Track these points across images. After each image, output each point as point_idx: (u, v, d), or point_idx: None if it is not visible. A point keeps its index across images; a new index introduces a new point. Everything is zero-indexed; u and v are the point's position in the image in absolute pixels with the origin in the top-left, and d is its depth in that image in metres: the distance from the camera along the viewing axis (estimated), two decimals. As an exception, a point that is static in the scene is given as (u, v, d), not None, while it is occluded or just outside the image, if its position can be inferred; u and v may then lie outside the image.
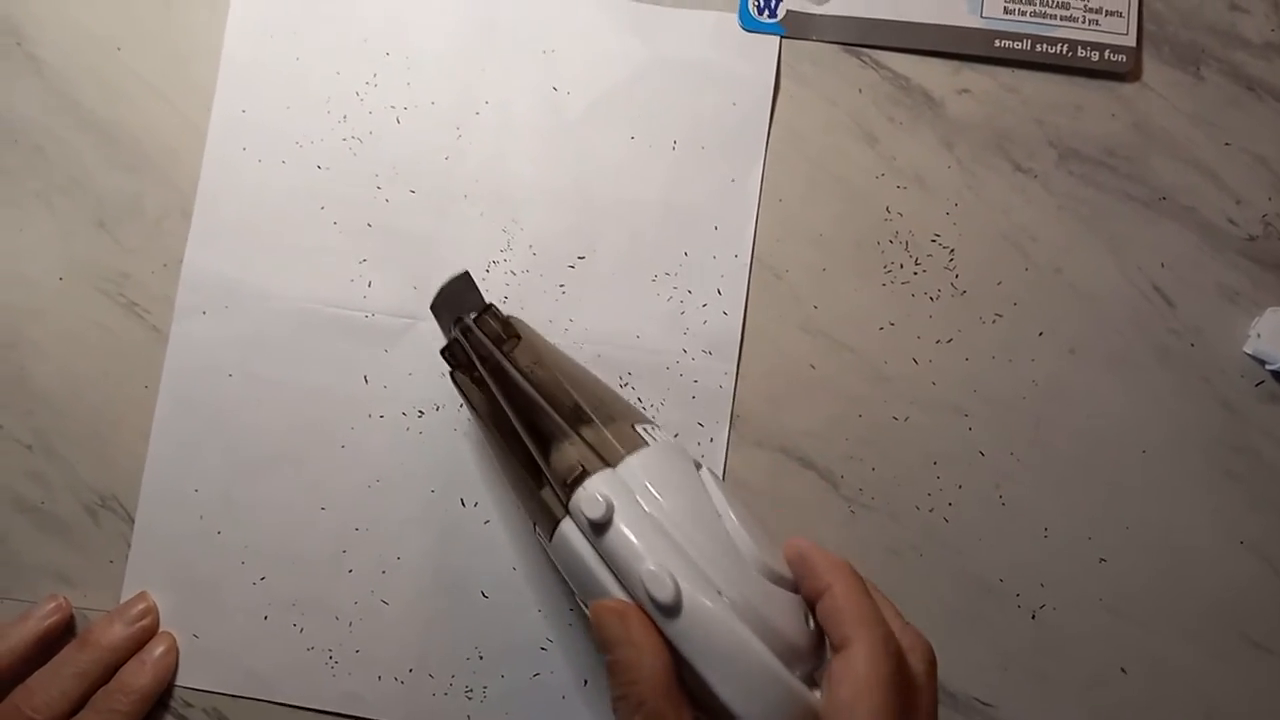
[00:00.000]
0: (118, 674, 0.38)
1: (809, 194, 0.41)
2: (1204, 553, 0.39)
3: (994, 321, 0.40)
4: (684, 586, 0.27)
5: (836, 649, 0.27)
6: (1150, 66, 0.41)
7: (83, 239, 0.41)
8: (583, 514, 0.28)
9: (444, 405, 0.40)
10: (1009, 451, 0.40)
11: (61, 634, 0.39)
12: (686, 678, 0.27)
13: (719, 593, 0.27)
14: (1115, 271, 0.40)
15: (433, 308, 0.35)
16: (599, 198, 0.41)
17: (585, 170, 0.41)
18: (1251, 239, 0.40)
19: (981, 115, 0.41)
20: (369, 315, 0.40)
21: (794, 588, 0.29)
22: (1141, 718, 0.39)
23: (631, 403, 0.38)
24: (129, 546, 0.39)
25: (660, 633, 0.27)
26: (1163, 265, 0.40)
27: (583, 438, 0.31)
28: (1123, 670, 0.39)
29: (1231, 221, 0.40)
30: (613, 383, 0.39)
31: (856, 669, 0.26)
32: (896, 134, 0.41)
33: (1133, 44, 0.41)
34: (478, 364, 0.33)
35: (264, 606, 0.39)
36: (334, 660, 0.39)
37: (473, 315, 0.34)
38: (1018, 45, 0.41)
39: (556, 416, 0.31)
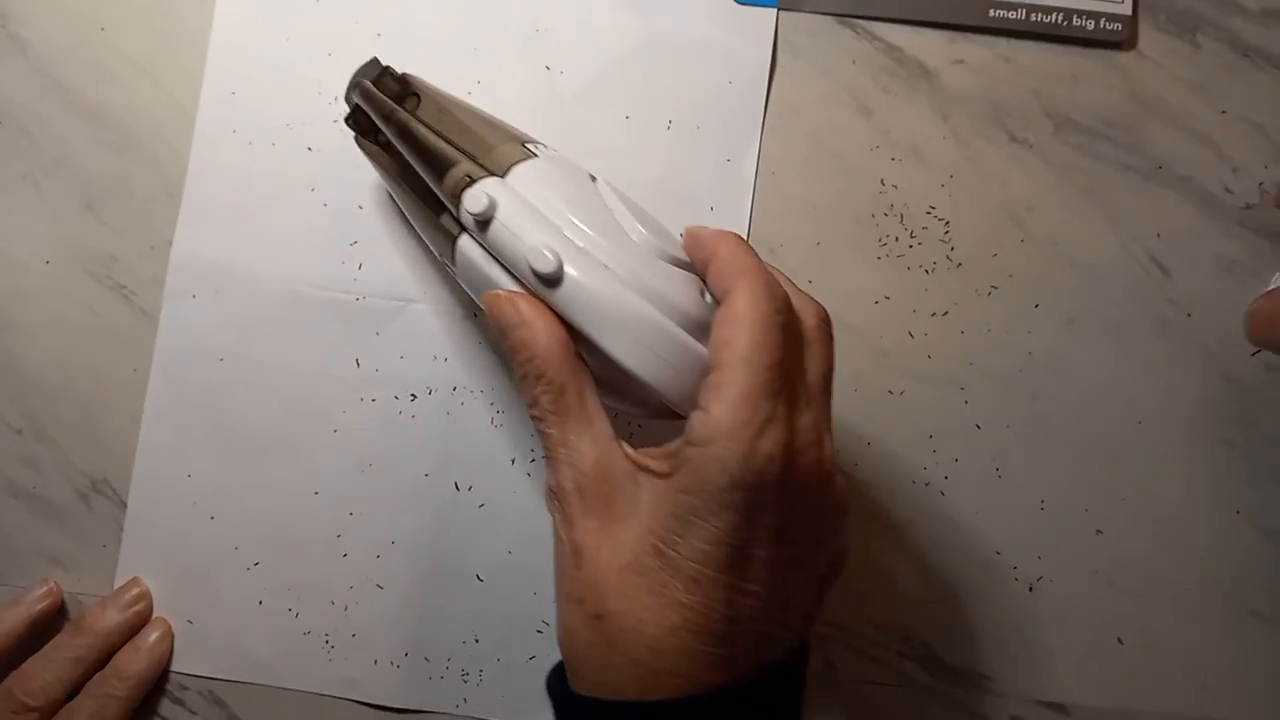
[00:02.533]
0: (113, 660, 0.37)
1: (803, 167, 0.40)
2: (1201, 523, 0.39)
3: (990, 294, 0.40)
4: (565, 257, 0.27)
5: (721, 302, 0.27)
6: (1146, 35, 0.41)
7: (70, 221, 0.40)
8: (468, 214, 0.29)
9: (436, 389, 0.40)
10: (1006, 424, 0.40)
11: (54, 618, 0.38)
12: (586, 355, 0.28)
13: (605, 266, 0.28)
14: (1112, 242, 0.40)
15: (346, 97, 0.35)
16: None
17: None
18: (1248, 207, 0.40)
19: (977, 86, 0.41)
20: (360, 298, 0.40)
21: (692, 271, 0.29)
22: (1138, 687, 0.39)
23: None
24: (121, 531, 0.39)
25: (553, 312, 0.28)
26: (1159, 235, 0.40)
27: (479, 163, 0.31)
28: (1119, 640, 0.39)
29: (1228, 190, 0.40)
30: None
31: (735, 309, 0.26)
32: (891, 106, 0.41)
33: (1129, 12, 0.40)
34: (380, 124, 0.33)
35: (259, 591, 0.39)
36: (330, 645, 0.39)
37: (369, 78, 0.34)
38: (1013, 15, 0.40)
39: (453, 150, 0.31)
